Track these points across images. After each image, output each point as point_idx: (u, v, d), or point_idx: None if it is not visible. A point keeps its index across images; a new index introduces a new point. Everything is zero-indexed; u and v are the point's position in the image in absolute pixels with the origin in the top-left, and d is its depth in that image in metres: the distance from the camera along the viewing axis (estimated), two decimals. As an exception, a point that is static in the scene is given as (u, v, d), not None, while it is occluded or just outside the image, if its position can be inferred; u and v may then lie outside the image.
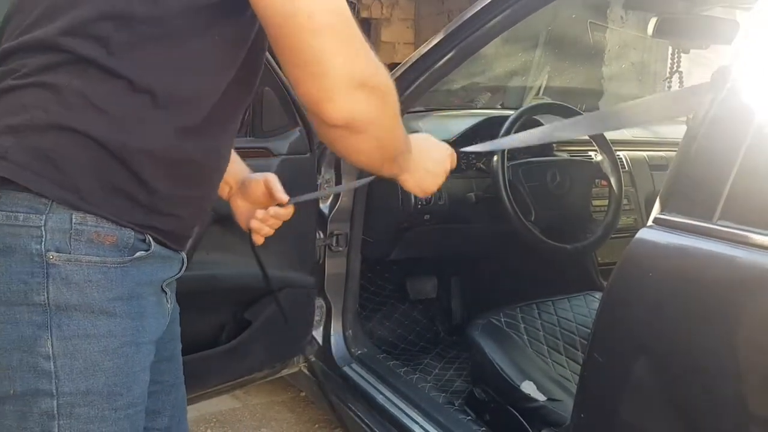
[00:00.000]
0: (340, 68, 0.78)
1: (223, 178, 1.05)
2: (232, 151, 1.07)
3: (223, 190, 1.15)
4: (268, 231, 1.17)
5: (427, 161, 1.10)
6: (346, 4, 0.80)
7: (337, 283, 2.06)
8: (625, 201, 2.40)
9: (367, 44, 0.82)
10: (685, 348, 0.92)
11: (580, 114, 2.28)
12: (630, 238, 0.99)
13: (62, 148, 0.79)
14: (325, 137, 0.89)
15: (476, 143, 2.26)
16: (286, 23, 0.77)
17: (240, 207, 1.17)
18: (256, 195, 1.14)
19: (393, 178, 1.06)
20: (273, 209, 1.13)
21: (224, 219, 1.64)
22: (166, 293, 0.95)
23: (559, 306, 2.04)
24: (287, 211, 1.14)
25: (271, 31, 0.80)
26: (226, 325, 1.82)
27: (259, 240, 1.19)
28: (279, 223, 1.16)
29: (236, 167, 1.15)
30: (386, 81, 0.86)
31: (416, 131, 2.18)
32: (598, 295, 2.01)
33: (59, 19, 0.80)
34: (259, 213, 1.13)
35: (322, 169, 1.96)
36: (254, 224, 1.15)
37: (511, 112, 2.25)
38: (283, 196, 1.13)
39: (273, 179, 1.14)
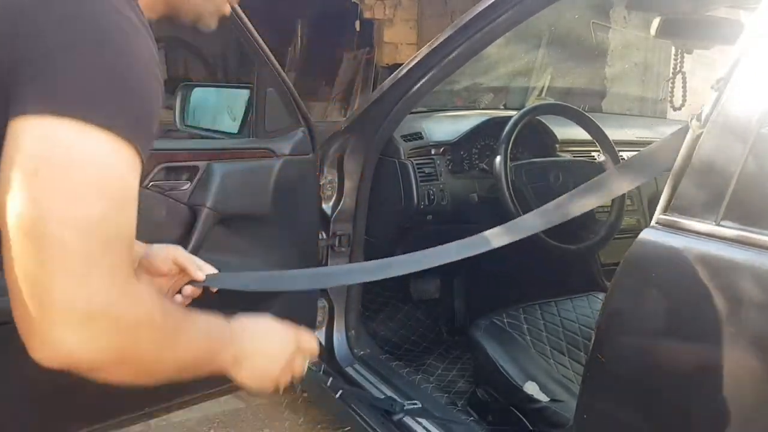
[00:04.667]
0: (61, 297, 0.61)
1: None
2: None
3: None
4: None
5: (262, 350, 0.95)
6: (105, 214, 0.63)
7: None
8: (628, 202, 2.40)
9: (120, 262, 0.65)
10: (687, 348, 0.92)
11: (583, 114, 2.28)
12: (633, 239, 0.99)
13: None
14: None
15: (479, 143, 2.28)
16: (12, 224, 0.61)
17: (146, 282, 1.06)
18: (163, 269, 1.06)
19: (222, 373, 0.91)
20: (189, 288, 1.09)
21: (227, 219, 1.65)
22: None
23: (562, 307, 2.04)
24: (200, 291, 1.10)
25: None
26: (229, 326, 1.82)
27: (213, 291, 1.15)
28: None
29: None
30: (136, 309, 0.68)
31: (418, 132, 2.20)
32: (601, 295, 2.01)
33: None
34: (178, 298, 1.09)
35: (325, 170, 1.96)
36: (189, 292, 1.11)
37: (514, 112, 2.25)
38: (200, 275, 1.09)
39: (183, 255, 1.08)
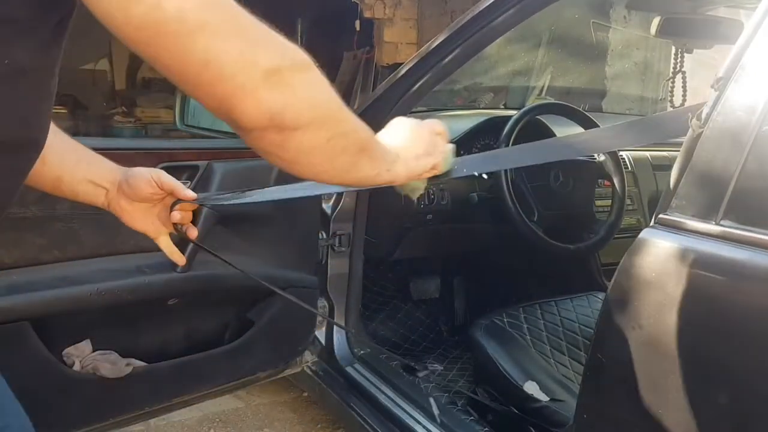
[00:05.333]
0: (237, 64, 0.64)
1: (93, 180, 0.99)
2: (91, 151, 1.00)
3: (98, 196, 1.03)
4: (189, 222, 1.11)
5: (416, 146, 0.91)
6: None
7: (340, 283, 2.06)
8: (628, 201, 2.40)
9: (264, 27, 0.67)
10: (687, 348, 0.92)
11: (583, 114, 2.29)
12: (633, 239, 0.99)
13: None
14: (261, 150, 0.72)
15: (479, 143, 2.28)
16: (157, 34, 0.62)
17: (126, 208, 1.05)
18: (145, 192, 1.03)
19: (385, 183, 0.87)
20: (178, 215, 1.07)
21: (227, 219, 1.65)
22: None
23: (562, 306, 2.04)
24: (193, 205, 1.09)
25: (145, 50, 0.64)
26: (230, 325, 1.82)
27: (193, 233, 1.13)
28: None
29: (105, 168, 1.03)
30: (302, 58, 0.70)
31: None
32: (601, 295, 2.01)
33: None
34: (176, 215, 1.07)
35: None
36: (179, 217, 1.08)
37: (514, 112, 2.25)
38: (190, 194, 1.07)
39: (166, 177, 1.04)
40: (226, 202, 1.44)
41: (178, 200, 1.08)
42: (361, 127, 0.78)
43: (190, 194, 1.08)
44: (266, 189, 1.33)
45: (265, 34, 0.67)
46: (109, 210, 1.06)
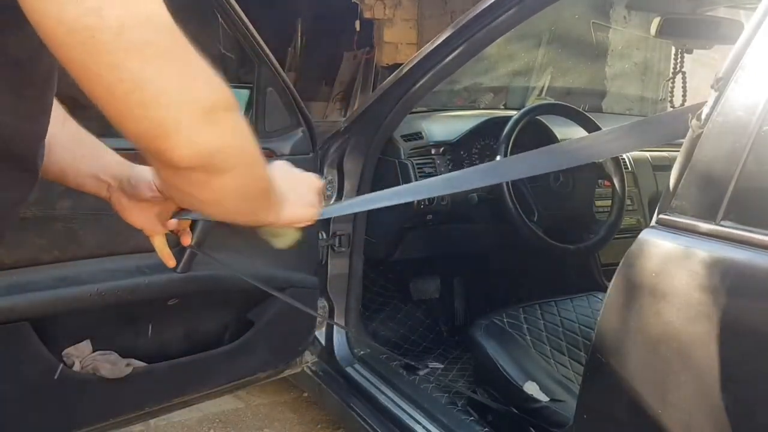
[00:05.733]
0: (176, 94, 0.60)
1: (97, 175, 0.99)
2: (98, 143, 1.00)
3: (100, 189, 1.03)
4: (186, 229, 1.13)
5: (297, 193, 0.95)
6: (165, 12, 0.60)
7: (340, 284, 2.06)
8: (628, 201, 2.40)
9: (203, 61, 0.63)
10: (687, 349, 0.92)
11: (584, 114, 2.29)
12: (633, 239, 0.99)
13: None
14: (181, 189, 0.69)
15: (479, 143, 2.28)
16: (89, 42, 0.56)
17: (126, 205, 1.05)
18: (146, 194, 1.02)
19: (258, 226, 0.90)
20: (174, 222, 1.08)
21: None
22: None
23: (561, 307, 2.04)
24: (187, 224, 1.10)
25: (69, 56, 0.58)
26: (230, 326, 1.82)
27: (187, 239, 1.16)
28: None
29: (111, 162, 1.02)
30: (233, 99, 0.66)
31: (418, 132, 2.20)
32: (601, 295, 2.01)
33: None
34: (173, 222, 1.08)
35: (325, 170, 1.96)
36: (175, 224, 1.09)
37: (514, 112, 2.25)
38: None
39: None
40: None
41: (182, 211, 1.08)
42: (266, 170, 0.78)
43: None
44: None
45: (205, 68, 0.63)
46: (110, 202, 1.06)
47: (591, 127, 2.23)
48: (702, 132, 0.93)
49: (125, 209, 1.06)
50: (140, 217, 1.07)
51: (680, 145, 0.98)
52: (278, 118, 1.79)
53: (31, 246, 1.42)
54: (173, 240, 1.18)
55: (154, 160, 0.65)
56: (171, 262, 1.16)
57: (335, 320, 2.05)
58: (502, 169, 1.34)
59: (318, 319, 2.01)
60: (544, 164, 1.22)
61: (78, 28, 0.56)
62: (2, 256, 1.39)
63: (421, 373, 2.05)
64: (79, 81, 0.60)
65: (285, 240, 1.06)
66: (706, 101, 0.95)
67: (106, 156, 1.03)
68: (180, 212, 1.08)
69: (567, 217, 2.28)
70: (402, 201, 1.29)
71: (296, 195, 0.94)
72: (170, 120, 0.60)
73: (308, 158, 1.83)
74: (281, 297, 1.50)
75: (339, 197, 2.00)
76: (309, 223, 0.98)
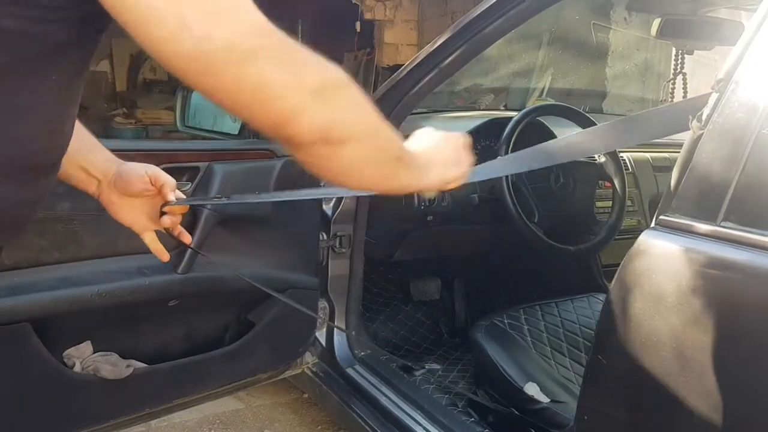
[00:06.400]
0: (288, 85, 0.67)
1: (87, 170, 1.00)
2: (92, 139, 1.01)
3: (89, 185, 1.04)
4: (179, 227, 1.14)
5: (446, 156, 0.96)
6: (262, 16, 0.67)
7: (341, 285, 2.06)
8: (628, 202, 2.40)
9: (306, 50, 0.70)
10: (688, 350, 0.92)
11: (584, 115, 2.29)
12: (633, 240, 0.99)
13: None
14: (310, 164, 0.76)
15: (479, 145, 2.28)
16: (208, 64, 0.64)
17: (116, 201, 1.06)
18: (137, 188, 1.04)
19: (419, 190, 0.93)
20: (168, 219, 1.08)
21: (228, 221, 1.65)
22: None
23: (562, 308, 2.04)
24: (184, 208, 1.11)
25: (195, 80, 0.66)
26: (230, 327, 1.82)
27: (187, 238, 1.16)
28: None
29: (101, 158, 1.04)
30: (343, 77, 0.73)
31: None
32: (602, 296, 2.01)
33: None
34: (166, 219, 1.09)
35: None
36: (169, 222, 1.10)
37: (515, 113, 2.25)
38: (172, 197, 1.09)
39: (161, 173, 1.06)
40: (209, 203, 1.52)
41: (167, 203, 1.09)
42: (396, 137, 0.82)
43: (181, 194, 1.10)
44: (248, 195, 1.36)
45: (308, 57, 0.70)
46: (99, 200, 1.07)
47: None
48: (702, 133, 0.93)
49: (115, 206, 1.07)
50: (130, 214, 1.08)
51: (681, 146, 0.98)
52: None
53: (31, 247, 1.42)
54: (173, 242, 1.19)
55: (289, 146, 0.72)
56: (165, 256, 1.17)
57: (336, 321, 2.05)
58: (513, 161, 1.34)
59: (318, 320, 2.01)
60: (542, 160, 1.22)
61: (195, 56, 0.63)
62: (3, 257, 1.39)
63: (418, 373, 2.05)
64: (208, 97, 0.67)
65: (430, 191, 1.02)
66: (706, 93, 0.95)
67: (98, 152, 1.04)
68: (167, 203, 1.08)
69: (567, 218, 2.28)
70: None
71: (443, 156, 0.95)
72: (288, 108, 0.67)
73: (309, 159, 1.83)
74: (281, 298, 1.50)
75: (339, 199, 2.00)
76: (460, 184, 0.98)
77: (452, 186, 0.97)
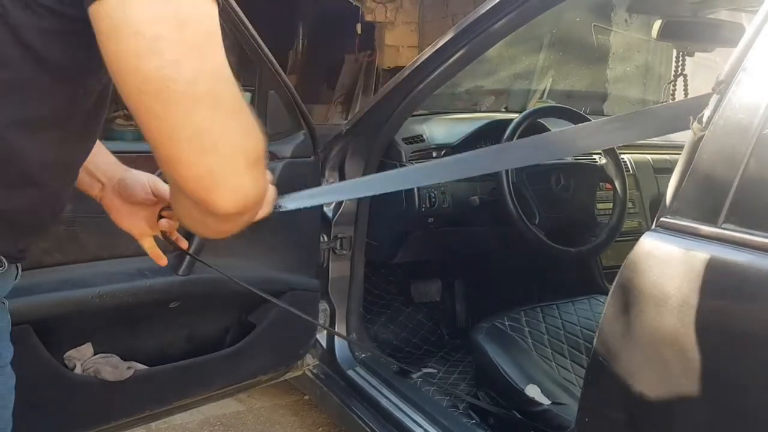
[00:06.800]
0: (233, 144, 0.66)
1: (91, 173, 1.01)
2: (101, 145, 1.02)
3: (92, 188, 1.05)
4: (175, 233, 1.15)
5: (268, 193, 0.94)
6: (228, 67, 0.66)
7: (341, 287, 2.06)
8: (629, 204, 2.39)
9: (249, 111, 0.69)
10: (689, 352, 0.92)
11: (585, 117, 2.29)
12: (634, 242, 0.99)
13: None
14: (204, 227, 0.77)
15: (480, 146, 2.28)
16: (164, 90, 0.62)
17: (117, 206, 1.08)
18: (138, 196, 1.06)
19: None
20: (165, 223, 1.09)
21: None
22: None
23: (563, 309, 2.04)
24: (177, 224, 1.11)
25: (141, 101, 0.64)
26: (231, 329, 1.82)
27: (184, 243, 1.18)
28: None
29: (106, 162, 1.05)
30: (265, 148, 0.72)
31: (420, 135, 2.20)
32: (603, 298, 2.01)
33: None
34: (164, 223, 1.10)
35: (326, 173, 1.96)
36: (167, 225, 1.10)
37: (515, 115, 2.25)
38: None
39: (162, 185, 1.06)
40: None
41: (166, 207, 1.09)
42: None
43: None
44: None
45: (253, 120, 0.69)
46: (101, 203, 1.08)
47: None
48: (703, 135, 0.93)
49: (116, 210, 1.08)
50: (130, 219, 1.09)
51: (682, 147, 0.98)
52: (280, 121, 1.79)
53: (32, 249, 1.42)
54: (174, 245, 1.19)
55: (200, 203, 0.69)
56: (163, 261, 1.18)
57: (336, 323, 2.05)
58: (494, 158, 1.31)
59: (318, 325, 2.01)
60: (539, 154, 1.21)
61: (155, 78, 0.61)
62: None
63: (415, 376, 2.05)
64: (141, 123, 0.65)
65: None
66: (706, 94, 0.95)
67: (104, 156, 1.05)
68: (165, 208, 1.09)
69: (568, 219, 2.28)
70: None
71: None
72: (223, 167, 0.66)
73: (310, 161, 1.83)
74: (279, 303, 1.50)
75: (340, 201, 2.00)
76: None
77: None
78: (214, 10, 0.66)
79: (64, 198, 0.86)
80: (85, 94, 0.76)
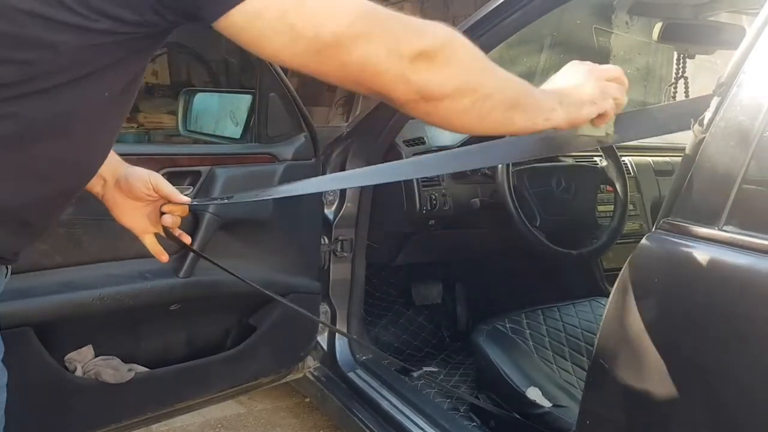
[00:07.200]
0: (387, 61, 0.74)
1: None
2: None
3: (95, 184, 1.07)
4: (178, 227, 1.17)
5: (581, 92, 0.93)
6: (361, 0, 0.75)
7: (342, 289, 2.05)
8: (630, 206, 2.39)
9: (401, 18, 0.77)
10: (690, 354, 0.92)
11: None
12: (635, 244, 0.99)
13: None
14: (416, 116, 0.84)
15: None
16: (321, 56, 0.73)
17: (119, 202, 1.10)
18: (140, 193, 1.08)
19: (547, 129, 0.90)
20: (169, 218, 1.12)
21: (229, 224, 1.65)
22: None
23: (564, 312, 2.04)
24: (184, 211, 1.15)
25: (306, 67, 0.75)
26: (231, 331, 1.82)
27: (187, 239, 1.20)
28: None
29: (110, 158, 1.05)
30: (440, 38, 0.78)
31: (420, 137, 2.20)
32: (604, 300, 2.00)
33: None
34: (167, 219, 1.13)
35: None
36: (170, 221, 1.13)
37: (516, 117, 2.24)
38: (185, 199, 1.13)
39: (164, 183, 1.09)
40: (214, 203, 1.56)
41: (168, 202, 1.11)
42: (509, 84, 0.86)
43: (184, 199, 1.13)
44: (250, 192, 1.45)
45: (405, 26, 0.76)
46: (102, 200, 1.10)
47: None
48: (704, 137, 0.93)
49: (118, 207, 1.10)
50: (132, 216, 1.11)
51: (683, 150, 0.98)
52: (281, 123, 1.79)
53: (33, 251, 1.42)
54: (175, 247, 1.19)
55: (393, 104, 0.79)
56: (164, 257, 1.19)
57: (337, 325, 2.05)
58: (486, 154, 1.31)
59: (320, 324, 2.01)
60: (537, 150, 1.21)
61: (309, 53, 0.72)
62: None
63: (416, 374, 2.05)
64: (319, 77, 0.76)
65: (594, 133, 0.98)
66: (707, 95, 0.95)
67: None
68: (167, 204, 1.11)
69: (569, 222, 2.28)
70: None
71: (578, 92, 0.94)
72: (388, 80, 0.75)
73: (311, 163, 1.83)
74: (284, 302, 1.50)
75: (341, 202, 2.00)
76: (605, 120, 0.96)
77: (596, 123, 0.95)
78: None
79: (73, 198, 0.88)
80: (110, 95, 0.79)
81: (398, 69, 0.75)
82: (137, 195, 1.08)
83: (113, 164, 1.08)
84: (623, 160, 2.41)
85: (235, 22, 0.70)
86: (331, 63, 0.73)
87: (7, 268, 0.88)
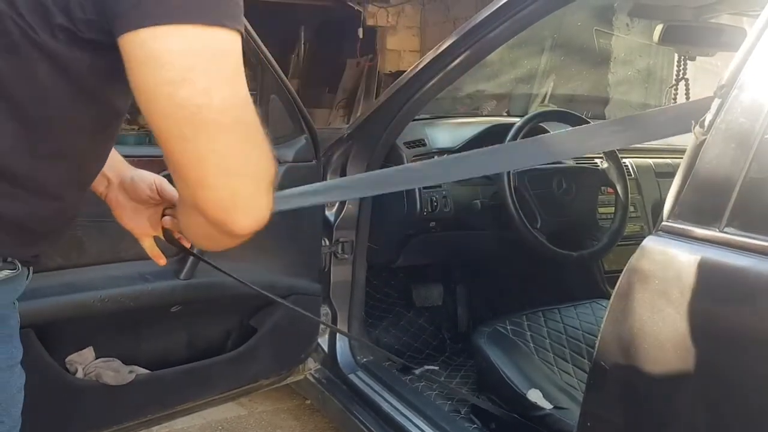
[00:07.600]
0: (255, 168, 0.70)
1: (101, 171, 1.02)
2: None
3: (99, 184, 1.07)
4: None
5: None
6: (249, 95, 0.72)
7: (343, 291, 2.05)
8: (631, 208, 2.39)
9: (265, 136, 0.73)
10: (691, 356, 0.92)
11: (586, 121, 2.29)
12: (636, 246, 0.99)
13: None
14: (210, 242, 0.81)
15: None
16: (195, 117, 0.67)
17: (122, 204, 1.10)
18: (144, 195, 1.08)
19: None
20: (169, 220, 1.10)
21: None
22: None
23: (565, 314, 2.04)
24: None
25: (170, 125, 0.68)
26: (232, 332, 1.82)
27: (187, 243, 1.17)
28: None
29: (113, 159, 1.06)
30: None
31: (421, 139, 2.20)
32: (605, 302, 2.01)
33: None
34: (167, 221, 1.11)
35: (328, 177, 1.96)
36: (170, 223, 1.12)
37: (517, 119, 2.25)
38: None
39: (168, 186, 1.09)
40: None
41: (169, 207, 1.10)
42: None
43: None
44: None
45: (268, 143, 0.73)
46: (105, 200, 1.10)
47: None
48: (705, 139, 0.93)
49: (120, 208, 1.10)
50: (133, 217, 1.11)
51: (683, 152, 0.98)
52: (281, 125, 1.80)
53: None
54: (172, 250, 1.19)
55: (218, 226, 0.73)
56: (162, 260, 1.19)
57: (338, 327, 2.05)
58: (490, 159, 1.31)
59: (321, 325, 2.01)
60: (539, 155, 1.21)
61: (188, 105, 0.66)
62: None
63: (417, 372, 2.05)
64: (168, 147, 0.70)
65: None
66: (707, 97, 0.95)
67: (113, 154, 1.06)
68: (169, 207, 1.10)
69: (570, 224, 2.28)
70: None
71: None
72: (245, 188, 0.70)
73: (311, 165, 1.83)
74: (285, 303, 1.50)
75: (342, 204, 2.00)
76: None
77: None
78: (240, 44, 0.70)
79: (78, 207, 0.90)
80: (116, 119, 0.80)
81: (259, 185, 0.72)
82: (141, 197, 1.08)
83: (118, 165, 1.08)
84: (624, 162, 2.41)
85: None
86: (200, 131, 0.68)
87: (28, 270, 0.89)
